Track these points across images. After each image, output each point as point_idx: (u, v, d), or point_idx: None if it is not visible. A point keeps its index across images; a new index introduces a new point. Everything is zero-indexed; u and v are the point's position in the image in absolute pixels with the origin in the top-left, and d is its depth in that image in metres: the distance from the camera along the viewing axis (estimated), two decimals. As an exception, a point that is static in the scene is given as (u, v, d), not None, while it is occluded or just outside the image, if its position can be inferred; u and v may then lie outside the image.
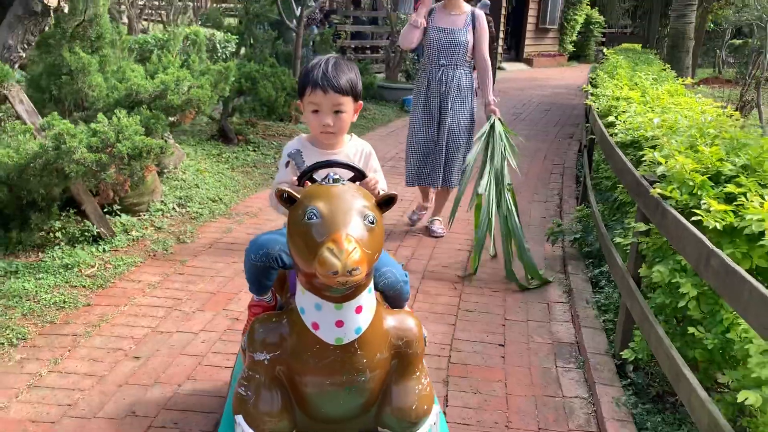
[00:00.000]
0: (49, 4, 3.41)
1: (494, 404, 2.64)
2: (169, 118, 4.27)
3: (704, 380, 2.35)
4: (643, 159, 2.88)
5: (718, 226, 2.13)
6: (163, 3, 10.77)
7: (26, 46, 3.51)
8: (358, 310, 1.66)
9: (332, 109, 1.95)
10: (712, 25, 14.37)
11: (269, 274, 2.08)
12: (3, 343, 2.91)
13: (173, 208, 4.75)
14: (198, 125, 6.98)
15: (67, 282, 3.53)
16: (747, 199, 2.13)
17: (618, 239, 2.95)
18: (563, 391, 2.76)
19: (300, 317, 1.69)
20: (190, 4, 8.93)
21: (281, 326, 1.77)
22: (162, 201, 4.76)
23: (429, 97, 4.35)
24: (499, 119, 4.10)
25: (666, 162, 2.50)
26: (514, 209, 3.93)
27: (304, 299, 1.68)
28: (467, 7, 4.32)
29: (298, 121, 7.76)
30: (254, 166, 6.20)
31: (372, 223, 1.58)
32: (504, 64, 18.24)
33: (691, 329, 2.25)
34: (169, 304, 3.41)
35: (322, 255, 1.45)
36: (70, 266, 3.68)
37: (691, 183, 2.35)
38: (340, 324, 1.64)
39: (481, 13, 4.31)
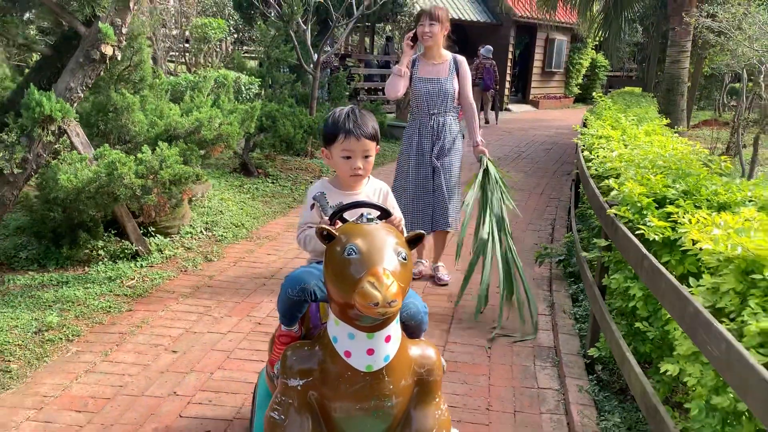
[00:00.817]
0: (105, 53, 4.01)
1: (478, 392, 3.10)
2: (200, 151, 4.84)
3: (654, 374, 2.80)
4: (612, 188, 3.38)
5: (657, 239, 2.62)
6: (188, 45, 11.55)
7: (84, 88, 4.10)
8: (387, 339, 1.78)
9: (363, 154, 2.15)
10: (709, 71, 14.96)
11: (302, 307, 2.15)
12: (61, 339, 3.43)
13: (201, 232, 5.30)
14: (222, 159, 7.61)
15: (111, 291, 4.06)
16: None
17: (584, 254, 3.44)
18: (538, 383, 3.22)
19: (332, 345, 1.80)
20: (218, 51, 9.65)
21: (314, 354, 1.87)
22: (191, 225, 5.31)
23: (422, 145, 4.37)
24: (489, 159, 4.17)
25: (619, 187, 3.00)
26: (515, 253, 3.96)
27: (337, 329, 1.79)
28: (448, 55, 4.37)
29: (313, 156, 8.35)
30: (273, 196, 6.76)
31: (404, 259, 1.72)
32: (511, 106, 18.92)
33: (638, 324, 2.72)
34: (200, 310, 3.91)
35: (363, 288, 1.58)
36: (113, 278, 4.22)
37: (638, 204, 2.85)
38: (370, 352, 1.76)
39: (462, 59, 4.38)
